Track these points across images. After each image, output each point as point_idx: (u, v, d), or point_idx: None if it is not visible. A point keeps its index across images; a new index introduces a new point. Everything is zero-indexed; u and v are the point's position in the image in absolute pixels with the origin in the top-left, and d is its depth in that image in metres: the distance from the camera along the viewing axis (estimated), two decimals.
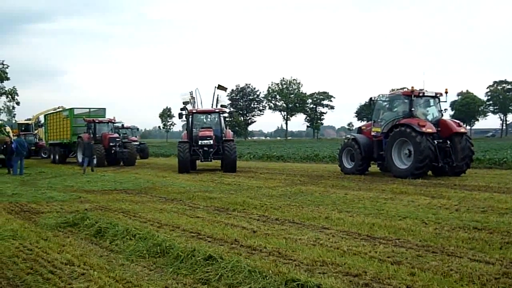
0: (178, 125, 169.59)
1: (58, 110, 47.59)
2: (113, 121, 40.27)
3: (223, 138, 29.72)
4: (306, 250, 8.94)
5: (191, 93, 32.92)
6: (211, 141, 28.88)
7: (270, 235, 10.32)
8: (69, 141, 40.93)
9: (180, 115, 31.46)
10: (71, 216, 12.83)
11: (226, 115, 34.00)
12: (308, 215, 12.78)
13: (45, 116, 50.51)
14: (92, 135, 37.85)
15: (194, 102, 32.86)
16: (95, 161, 33.69)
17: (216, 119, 31.47)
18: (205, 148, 28.73)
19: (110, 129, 39.39)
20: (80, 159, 37.20)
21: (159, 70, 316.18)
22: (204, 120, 32.39)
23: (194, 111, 31.02)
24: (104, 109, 43.44)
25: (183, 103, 32.68)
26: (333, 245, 9.29)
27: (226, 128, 31.47)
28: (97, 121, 39.21)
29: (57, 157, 42.95)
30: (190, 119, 30.47)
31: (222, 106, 33.04)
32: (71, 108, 42.28)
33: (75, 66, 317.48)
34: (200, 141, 28.81)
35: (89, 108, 42.76)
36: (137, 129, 61.73)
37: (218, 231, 10.84)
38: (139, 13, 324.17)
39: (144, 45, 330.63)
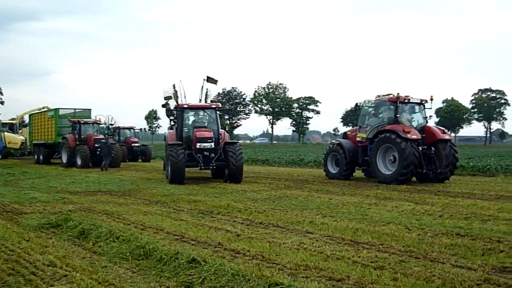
0: (164, 127, 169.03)
1: (43, 110, 47.20)
2: (98, 122, 40.08)
3: (225, 140, 24.80)
4: (290, 254, 8.95)
5: (174, 87, 28.52)
6: (212, 144, 23.51)
7: (254, 239, 10.32)
8: (54, 141, 40.63)
9: (169, 112, 26.49)
10: (54, 217, 12.77)
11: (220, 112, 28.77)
12: (292, 219, 12.79)
13: (29, 116, 50.13)
14: (77, 136, 37.71)
15: (178, 97, 28.07)
16: (108, 160, 34.62)
17: (213, 116, 25.46)
18: (206, 153, 23.47)
19: (95, 130, 39.18)
20: (64, 160, 37.21)
21: (146, 72, 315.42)
22: (194, 118, 26.41)
23: (185, 105, 25.11)
24: (90, 110, 43.21)
25: (165, 98, 28.86)
26: (317, 250, 9.31)
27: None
28: (82, 122, 38.97)
29: (41, 157, 42.64)
30: (180, 116, 25.15)
31: (212, 101, 27.94)
32: (56, 108, 41.96)
33: (63, 66, 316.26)
34: (198, 144, 23.37)
35: (75, 109, 42.45)
36: (140, 129, 57.27)
37: (202, 234, 10.83)
38: (128, 14, 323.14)
39: (132, 46, 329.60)
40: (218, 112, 25.86)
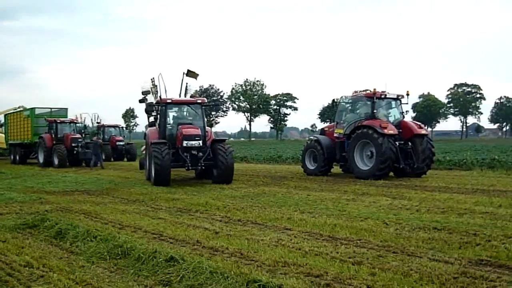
0: (141, 125, 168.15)
1: (18, 109, 46.75)
2: (75, 121, 39.78)
3: (211, 138, 22.85)
4: (268, 251, 8.96)
5: (152, 81, 26.93)
6: (200, 142, 21.69)
7: (232, 236, 10.32)
8: (30, 141, 40.28)
9: (150, 107, 23.93)
10: (31, 217, 12.63)
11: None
12: (270, 216, 12.80)
13: (5, 115, 49.62)
14: (54, 135, 37.45)
15: (157, 91, 26.07)
16: (95, 159, 35.25)
17: (198, 112, 23.67)
18: (193, 152, 21.58)
19: (72, 129, 38.89)
20: (41, 160, 36.96)
21: (123, 70, 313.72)
22: (178, 114, 24.36)
23: (169, 100, 23.24)
24: (66, 109, 42.91)
25: (143, 93, 27.22)
26: (295, 246, 9.33)
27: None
28: (59, 121, 38.68)
29: (17, 157, 42.23)
30: (163, 112, 23.15)
31: (191, 97, 26.40)
32: (32, 108, 41.61)
33: (39, 65, 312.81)
34: (185, 142, 21.46)
35: (51, 108, 42.11)
36: (123, 127, 54.29)
37: (180, 232, 10.81)
38: (104, 12, 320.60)
39: (108, 44, 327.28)
40: (204, 107, 24.32)
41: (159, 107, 23.47)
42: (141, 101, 27.18)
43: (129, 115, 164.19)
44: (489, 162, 29.08)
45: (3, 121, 52.94)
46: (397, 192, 17.21)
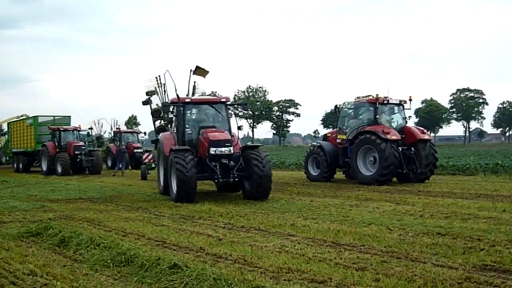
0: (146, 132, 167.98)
1: (21, 118, 46.81)
2: (78, 129, 39.80)
3: (237, 144, 19.02)
4: (272, 257, 8.95)
5: (158, 79, 24.22)
6: (231, 149, 17.98)
7: (235, 243, 10.31)
8: (33, 149, 40.29)
9: (166, 108, 20.03)
10: (34, 225, 12.61)
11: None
12: (274, 222, 12.79)
13: (8, 124, 49.69)
14: (57, 144, 37.47)
15: (165, 91, 23.58)
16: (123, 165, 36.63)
17: (223, 113, 19.97)
18: (224, 161, 17.76)
19: (75, 137, 38.91)
20: (44, 168, 36.97)
21: (125, 78, 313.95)
22: (198, 116, 20.49)
23: (187, 100, 19.59)
24: (69, 116, 42.95)
25: (147, 93, 24.83)
26: (299, 252, 9.32)
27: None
28: (62, 129, 38.70)
29: (20, 165, 42.26)
30: (181, 113, 19.11)
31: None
32: (35, 116, 41.65)
33: (42, 73, 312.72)
34: (212, 149, 17.74)
35: (54, 116, 42.14)
36: (144, 133, 49.07)
37: (184, 239, 10.80)
38: (105, 20, 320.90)
39: (110, 52, 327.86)
40: (229, 107, 20.82)
41: (176, 108, 19.29)
42: (144, 103, 24.99)
43: (131, 122, 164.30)
44: (492, 167, 29.02)
45: (6, 129, 53.05)
46: (401, 197, 17.20)
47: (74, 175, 34.79)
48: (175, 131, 19.61)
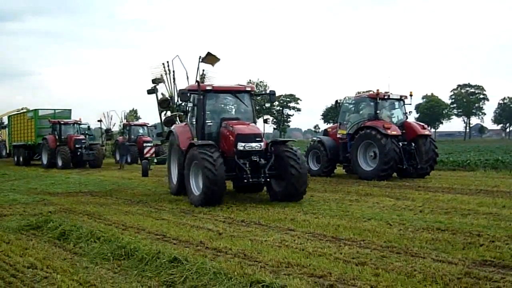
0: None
1: (22, 111, 46.78)
2: (79, 122, 39.77)
3: (271, 139, 17.20)
4: (272, 251, 8.96)
5: (165, 66, 22.66)
6: (262, 144, 15.81)
7: (235, 237, 10.32)
8: (34, 142, 40.27)
9: (184, 96, 16.81)
10: (35, 218, 12.64)
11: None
12: (274, 216, 12.80)
13: (8, 117, 49.67)
14: (57, 137, 37.43)
15: (174, 79, 21.94)
16: (129, 158, 37.56)
17: (247, 104, 17.68)
18: (254, 158, 15.50)
19: (76, 130, 38.89)
20: (44, 161, 36.97)
21: (126, 71, 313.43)
22: (218, 106, 18.04)
23: (208, 87, 17.15)
24: (70, 110, 42.86)
25: (153, 81, 23.14)
26: (299, 247, 9.33)
27: None
28: (62, 122, 38.68)
29: (21, 159, 42.25)
30: (201, 103, 16.67)
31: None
32: (35, 109, 41.61)
33: (42, 67, 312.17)
34: (240, 145, 15.45)
35: (54, 109, 42.08)
36: (155, 126, 45.52)
37: (184, 233, 10.82)
38: (107, 13, 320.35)
39: (111, 46, 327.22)
40: (253, 97, 18.07)
41: (197, 97, 16.81)
42: (150, 91, 23.42)
43: (132, 116, 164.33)
44: (492, 162, 29.05)
45: (6, 122, 53.05)
46: (401, 192, 17.21)
47: (74, 169, 34.80)
48: (194, 123, 17.29)
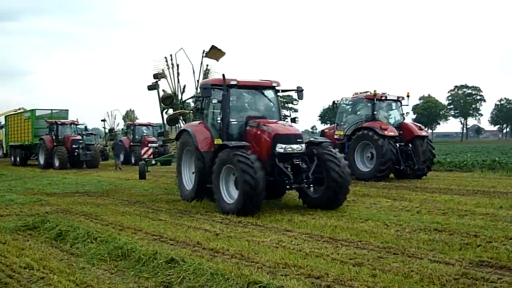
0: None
1: (19, 111, 46.71)
2: (76, 122, 39.71)
3: (308, 140, 15.22)
4: (269, 252, 8.96)
5: (167, 60, 21.56)
6: (303, 146, 14.31)
7: (232, 238, 10.32)
8: (31, 143, 40.23)
9: (207, 92, 15.15)
10: (31, 219, 12.61)
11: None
12: (271, 217, 12.80)
13: (5, 117, 49.58)
14: (55, 137, 37.34)
15: (178, 74, 20.82)
16: (121, 158, 37.51)
17: (273, 101, 16.36)
18: (296, 161, 14.03)
19: (73, 131, 38.83)
20: (41, 161, 36.92)
21: (124, 72, 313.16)
22: (242, 103, 16.54)
23: (233, 82, 15.25)
24: (67, 110, 42.78)
25: (155, 76, 21.87)
26: (296, 248, 9.33)
27: None
28: (59, 122, 38.60)
29: (18, 159, 42.17)
30: (225, 98, 14.99)
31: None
32: (32, 109, 41.54)
33: (40, 66, 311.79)
34: (279, 147, 13.85)
35: (51, 110, 42.01)
36: (160, 127, 42.86)
37: (181, 234, 10.80)
38: (106, 14, 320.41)
39: (110, 46, 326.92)
40: (278, 93, 16.67)
41: (222, 93, 15.06)
42: (151, 87, 22.28)
43: (129, 116, 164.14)
44: (489, 163, 29.06)
45: (3, 122, 52.94)
46: (398, 193, 17.22)
47: (71, 169, 34.78)
48: (213, 121, 15.94)
